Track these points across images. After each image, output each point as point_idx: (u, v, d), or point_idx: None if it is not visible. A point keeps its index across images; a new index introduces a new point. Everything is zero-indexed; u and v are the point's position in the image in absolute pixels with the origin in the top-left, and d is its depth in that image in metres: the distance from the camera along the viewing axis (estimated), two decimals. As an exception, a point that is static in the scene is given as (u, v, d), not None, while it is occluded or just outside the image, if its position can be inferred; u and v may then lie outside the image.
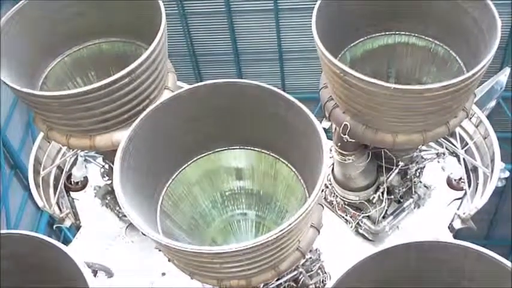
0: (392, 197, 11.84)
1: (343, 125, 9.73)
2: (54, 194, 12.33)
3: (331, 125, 10.71)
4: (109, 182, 12.08)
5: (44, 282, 7.93)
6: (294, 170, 8.87)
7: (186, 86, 8.49)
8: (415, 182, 11.97)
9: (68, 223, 12.12)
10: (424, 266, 7.39)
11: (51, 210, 11.85)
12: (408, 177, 11.75)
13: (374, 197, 11.52)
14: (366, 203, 11.69)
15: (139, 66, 9.02)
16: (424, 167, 12.04)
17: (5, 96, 16.74)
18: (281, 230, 6.90)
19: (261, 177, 9.46)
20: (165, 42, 9.56)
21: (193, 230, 9.37)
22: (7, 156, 16.93)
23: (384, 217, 11.89)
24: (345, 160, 10.66)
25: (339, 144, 10.47)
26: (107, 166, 11.81)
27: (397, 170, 11.25)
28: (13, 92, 9.06)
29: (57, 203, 12.24)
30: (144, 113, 8.17)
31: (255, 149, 9.15)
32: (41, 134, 12.25)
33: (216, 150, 9.24)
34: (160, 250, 8.82)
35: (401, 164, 11.22)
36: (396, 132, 9.56)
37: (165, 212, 8.88)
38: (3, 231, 7.56)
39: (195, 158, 9.18)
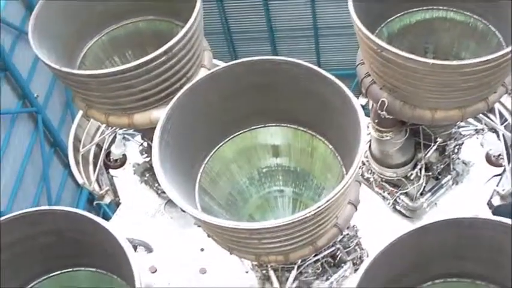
0: (430, 173, 11.74)
1: (380, 101, 9.66)
2: (94, 171, 12.53)
3: (368, 101, 10.63)
4: (147, 159, 12.23)
5: (86, 257, 8.12)
6: (330, 147, 8.86)
7: (222, 64, 8.52)
8: (453, 158, 11.85)
9: (107, 200, 12.32)
10: (462, 243, 7.35)
11: (91, 187, 12.05)
12: (446, 153, 11.63)
13: (412, 174, 11.44)
14: (403, 179, 11.63)
15: (176, 45, 9.07)
16: (462, 143, 11.91)
17: (43, 75, 17.01)
18: (319, 207, 6.92)
19: (297, 154, 9.48)
20: (201, 20, 9.58)
21: (231, 207, 9.46)
22: (47, 134, 17.22)
23: (421, 194, 11.82)
24: (383, 137, 10.58)
25: (376, 120, 10.40)
26: (145, 144, 11.94)
27: (435, 147, 11.14)
28: (52, 71, 9.20)
29: (97, 180, 12.44)
30: (182, 91, 8.23)
31: (292, 126, 9.16)
32: (80, 113, 12.41)
33: (253, 127, 9.28)
34: (199, 226, 8.94)
35: (439, 140, 11.11)
36: (434, 109, 9.45)
37: (203, 189, 8.97)
38: (46, 207, 7.71)
39: (232, 136, 9.23)
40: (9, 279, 7.91)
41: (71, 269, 8.31)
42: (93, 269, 8.27)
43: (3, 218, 7.52)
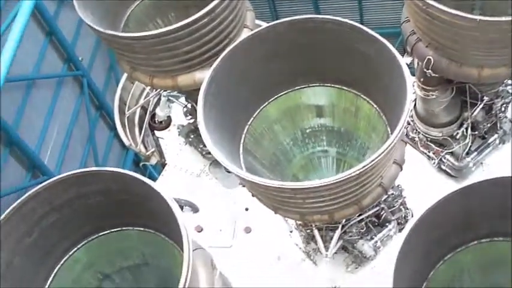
0: (476, 132, 11.57)
1: (426, 59, 9.50)
2: (140, 133, 12.69)
3: (413, 60, 10.48)
4: (192, 120, 12.34)
5: (134, 217, 8.29)
6: (375, 106, 8.79)
7: (264, 24, 8.47)
8: (500, 117, 11.63)
9: (153, 161, 12.49)
10: (509, 202, 7.26)
11: (137, 149, 12.24)
12: (493, 112, 11.42)
13: (458, 133, 11.30)
14: (449, 139, 11.48)
15: (219, 6, 9.03)
16: (510, 101, 11.66)
17: (88, 39, 17.18)
18: (364, 166, 6.91)
19: (341, 114, 9.44)
20: (243, -20, 9.53)
21: (275, 167, 9.51)
22: (92, 97, 17.47)
23: (467, 153, 11.67)
24: (428, 95, 10.44)
25: (422, 79, 10.24)
26: (189, 105, 12.03)
27: (481, 105, 10.95)
28: (97, 34, 9.28)
29: (143, 142, 12.61)
30: (225, 52, 8.24)
31: (336, 85, 9.10)
32: (125, 75, 12.54)
33: (296, 87, 9.25)
34: (243, 186, 9.04)
35: (486, 98, 10.90)
36: (481, 66, 9.26)
37: (247, 149, 9.03)
38: (95, 168, 7.86)
39: (276, 96, 9.22)
40: (61, 239, 8.15)
41: (119, 228, 8.48)
42: (141, 228, 8.43)
43: (52, 179, 7.70)
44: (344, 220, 9.26)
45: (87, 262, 8.50)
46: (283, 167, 9.73)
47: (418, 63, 10.20)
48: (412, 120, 11.88)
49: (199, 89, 7.95)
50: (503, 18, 8.40)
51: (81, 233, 8.40)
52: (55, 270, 8.17)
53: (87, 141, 16.86)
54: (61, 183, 7.70)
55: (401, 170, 8.58)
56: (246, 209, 11.69)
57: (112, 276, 8.77)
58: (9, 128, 12.93)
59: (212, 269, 8.05)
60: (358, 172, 6.96)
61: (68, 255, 8.29)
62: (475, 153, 11.73)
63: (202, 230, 11.63)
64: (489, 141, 11.80)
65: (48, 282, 8.06)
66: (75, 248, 8.35)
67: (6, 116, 12.83)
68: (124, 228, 8.50)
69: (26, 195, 7.55)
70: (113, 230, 8.50)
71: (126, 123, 12.57)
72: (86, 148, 16.79)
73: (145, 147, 12.43)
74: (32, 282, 7.85)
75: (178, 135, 12.89)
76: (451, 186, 7.30)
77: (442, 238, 7.66)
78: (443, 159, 11.67)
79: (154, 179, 13.24)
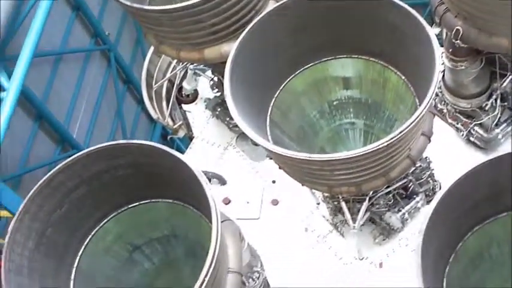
0: (505, 103, 11.41)
1: (455, 29, 9.35)
2: (167, 106, 12.76)
3: (442, 30, 10.33)
4: (218, 94, 12.37)
5: (163, 189, 8.37)
6: (403, 77, 8.72)
7: (290, -5, 8.40)
8: (530, 87, 11.45)
9: (181, 134, 12.57)
10: (540, 173, 7.18)
11: (164, 122, 12.32)
12: (523, 82, 11.25)
13: (487, 104, 11.15)
14: (478, 110, 11.35)
15: (244, -22, 9.00)
16: (541, 72, 11.46)
17: (114, 14, 17.21)
18: (392, 138, 6.89)
19: (369, 86, 9.38)
20: (268, -49, 9.44)
21: (302, 140, 9.52)
22: (119, 71, 17.54)
23: (496, 125, 11.52)
24: (457, 66, 10.30)
25: (451, 50, 10.10)
26: (216, 78, 12.05)
27: (511, 76, 10.78)
28: (123, 8, 9.30)
29: (170, 115, 12.68)
30: (251, 24, 8.22)
31: (363, 57, 9.03)
32: (152, 49, 12.57)
33: (323, 59, 9.20)
34: (271, 158, 9.07)
35: (516, 69, 10.74)
36: None
37: (274, 122, 9.04)
38: (123, 141, 7.92)
39: (302, 68, 9.19)
40: (91, 211, 8.27)
41: (148, 201, 8.58)
42: (170, 201, 8.51)
43: (82, 152, 7.78)
44: (371, 192, 9.26)
45: (117, 233, 8.63)
46: (310, 140, 9.74)
47: (446, 34, 10.05)
48: (441, 92, 11.76)
49: (225, 61, 7.95)
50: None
51: (111, 205, 8.51)
52: (86, 241, 8.31)
53: (115, 115, 16.97)
54: (90, 157, 7.79)
55: (430, 142, 8.53)
56: (273, 182, 11.74)
57: (142, 247, 8.90)
58: (38, 102, 13.07)
59: (240, 240, 8.13)
60: (386, 144, 6.94)
61: (98, 227, 8.42)
62: (504, 124, 11.57)
63: (229, 202, 11.72)
64: (519, 112, 11.63)
65: (80, 252, 8.21)
66: (106, 220, 8.47)
67: (35, 90, 12.95)
68: (153, 200, 8.60)
69: (56, 168, 7.65)
70: (142, 202, 8.60)
71: (154, 97, 12.64)
72: (114, 122, 16.90)
73: (173, 121, 12.50)
74: (64, 253, 8.01)
75: (205, 108, 12.95)
76: (479, 158, 7.23)
77: (471, 209, 7.62)
78: (472, 130, 11.55)
79: (181, 152, 13.29)
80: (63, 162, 7.70)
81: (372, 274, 10.30)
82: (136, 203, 8.59)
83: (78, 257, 8.26)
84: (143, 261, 8.97)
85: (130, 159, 7.90)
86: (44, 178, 7.57)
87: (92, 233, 8.40)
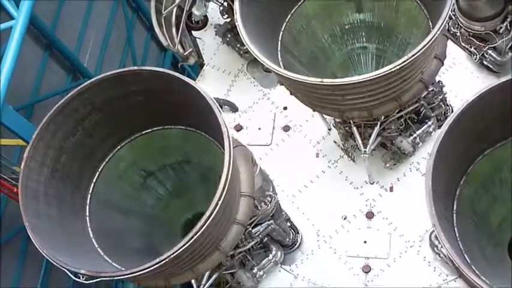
0: (520, 26, 11.19)
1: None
2: (177, 33, 12.59)
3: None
4: (229, 19, 12.21)
5: (175, 116, 8.41)
6: (416, 0, 8.56)
7: None
8: (546, 9, 11.19)
9: (191, 61, 12.44)
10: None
11: (175, 49, 12.19)
12: (539, 4, 10.99)
13: (501, 27, 10.91)
14: (492, 33, 11.11)
15: None
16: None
17: None
18: (405, 60, 6.83)
19: (381, 9, 9.23)
20: None
21: (313, 65, 9.45)
22: (129, -1, 17.33)
23: (510, 48, 11.33)
24: (471, -12, 10.08)
25: (465, -30, 9.87)
26: (225, 4, 11.87)
27: (527, -3, 10.54)
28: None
29: (180, 42, 12.55)
30: None
31: (376, -21, 8.86)
32: (160, -25, 12.33)
33: (336, -18, 9.03)
34: (282, 84, 9.04)
35: (532, -10, 10.47)
36: (529, -46, 8.85)
37: (285, 47, 8.96)
38: (135, 67, 7.91)
39: (315, -9, 9.03)
40: (104, 138, 8.37)
41: (161, 127, 8.65)
42: (183, 127, 8.58)
43: (93, 79, 7.81)
44: (383, 117, 9.23)
45: (131, 160, 8.75)
46: (321, 65, 9.66)
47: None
48: (454, 15, 11.52)
49: (234, -15, 7.82)
50: None
51: (123, 132, 8.60)
52: (100, 168, 8.45)
53: (125, 43, 16.83)
54: (102, 83, 7.83)
55: (443, 65, 8.45)
56: (285, 108, 11.72)
57: (155, 173, 9.04)
58: (47, 31, 12.97)
59: (252, 165, 8.22)
60: (399, 67, 6.89)
61: (112, 153, 8.54)
62: (518, 46, 11.38)
63: (241, 128, 11.76)
64: (534, 34, 11.41)
65: (94, 179, 8.36)
66: (119, 146, 8.59)
67: (44, 19, 12.83)
68: (166, 127, 8.67)
69: (69, 95, 7.71)
70: (154, 129, 8.68)
71: (163, 23, 12.47)
72: (125, 50, 16.78)
73: (183, 48, 12.36)
74: (79, 179, 8.15)
75: (215, 34, 12.81)
76: (492, 82, 7.16)
77: (482, 132, 7.61)
78: (485, 54, 11.36)
79: (192, 79, 13.25)
80: (76, 89, 7.75)
81: (382, 198, 10.41)
82: (149, 130, 8.67)
83: (92, 184, 8.42)
84: (157, 187, 9.14)
85: (142, 86, 7.92)
86: (57, 105, 7.65)
87: (106, 160, 8.54)
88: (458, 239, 7.53)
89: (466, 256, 7.31)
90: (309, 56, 9.44)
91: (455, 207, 7.80)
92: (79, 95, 7.72)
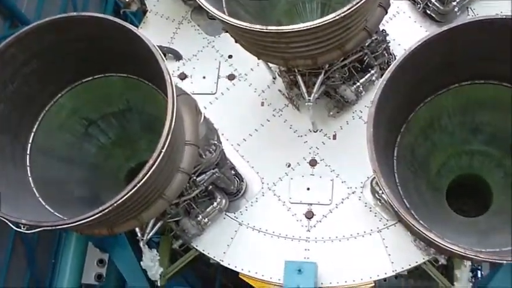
0: (462, -24, 11.28)
1: None
2: (118, -22, 12.31)
3: None
4: (172, -35, 11.94)
5: (117, 64, 8.25)
6: None
7: None
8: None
9: (134, 8, 12.15)
10: (493, 44, 7.27)
11: (117, -5, 11.92)
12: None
13: (444, -23, 11.02)
14: (435, -18, 11.21)
15: None
16: None
17: None
18: (349, 8, 6.83)
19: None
20: None
21: (258, 13, 9.34)
22: None
23: (453, -2, 11.43)
24: None
25: None
26: None
27: None
28: None
29: (123, -12, 12.25)
30: None
31: None
32: None
33: None
34: (226, 32, 8.93)
35: None
36: None
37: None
38: (75, 13, 7.69)
39: None
40: (44, 85, 8.18)
41: (102, 75, 8.49)
42: (125, 75, 8.43)
43: (32, 25, 7.59)
44: (327, 65, 9.25)
45: (72, 108, 8.58)
46: (267, 13, 9.57)
47: None
48: (398, -37, 11.54)
49: None
50: None
51: (64, 80, 8.40)
52: (40, 117, 8.27)
53: (65, -11, 16.31)
54: (41, 29, 7.60)
55: (386, 13, 8.49)
56: (230, 56, 11.59)
57: (97, 122, 8.90)
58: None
59: (197, 114, 8.16)
60: (343, 15, 6.90)
61: (52, 101, 8.36)
62: (461, -4, 11.48)
63: (185, 77, 11.58)
64: (475, -15, 11.53)
65: (35, 127, 8.18)
66: (59, 95, 8.41)
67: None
68: (107, 74, 8.50)
69: (6, 41, 7.47)
70: (96, 77, 8.51)
71: (104, -32, 12.14)
72: (65, -4, 16.27)
73: (125, -7, 12.07)
74: (18, 128, 7.97)
75: (158, -19, 12.52)
76: (435, 30, 7.24)
77: (424, 80, 7.75)
78: (428, 3, 11.41)
79: (135, 26, 12.95)
80: (14, 35, 7.52)
81: (325, 145, 10.51)
82: (90, 78, 8.50)
83: (32, 133, 8.24)
84: (99, 135, 9.00)
85: (83, 32, 7.72)
86: (-6, 51, 7.41)
87: (46, 108, 8.35)
88: (398, 184, 7.74)
89: (405, 201, 7.53)
90: (254, 3, 9.32)
91: (395, 154, 7.99)
92: (17, 41, 7.50)
